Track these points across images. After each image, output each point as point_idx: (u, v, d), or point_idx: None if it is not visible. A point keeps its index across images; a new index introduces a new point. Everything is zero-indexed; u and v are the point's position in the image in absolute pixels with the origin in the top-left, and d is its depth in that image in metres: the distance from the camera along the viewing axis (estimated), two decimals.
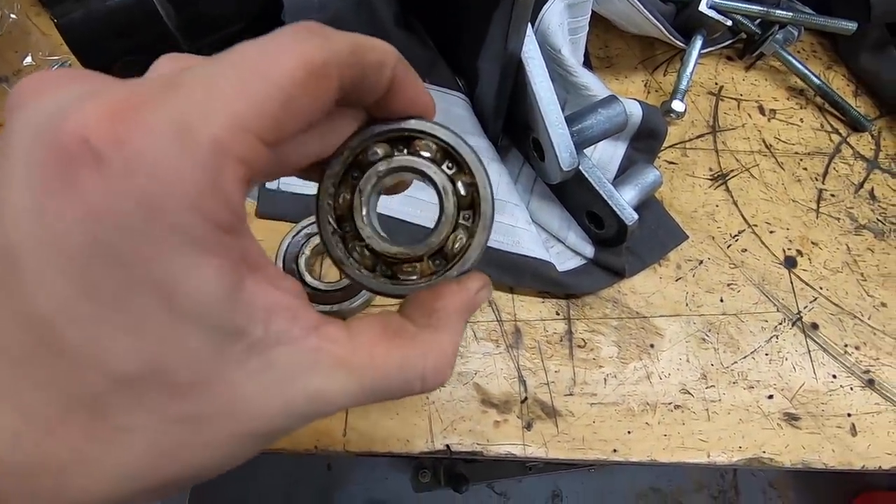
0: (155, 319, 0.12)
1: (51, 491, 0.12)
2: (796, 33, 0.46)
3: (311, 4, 0.32)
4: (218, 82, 0.12)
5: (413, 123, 0.18)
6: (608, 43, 0.47)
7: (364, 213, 0.18)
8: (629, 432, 0.34)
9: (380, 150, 0.18)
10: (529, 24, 0.29)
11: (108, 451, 0.12)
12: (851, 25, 0.43)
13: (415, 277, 0.18)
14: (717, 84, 0.47)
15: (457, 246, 0.18)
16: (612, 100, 0.33)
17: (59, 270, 0.11)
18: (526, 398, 0.34)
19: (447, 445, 0.32)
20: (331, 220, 0.18)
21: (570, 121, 0.32)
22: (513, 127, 0.36)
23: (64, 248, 0.11)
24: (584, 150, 0.35)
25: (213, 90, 0.12)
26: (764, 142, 0.44)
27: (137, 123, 0.11)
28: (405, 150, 0.18)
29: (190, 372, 0.13)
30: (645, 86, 0.46)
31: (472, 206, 0.18)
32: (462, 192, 0.18)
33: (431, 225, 0.18)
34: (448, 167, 0.18)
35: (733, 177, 0.43)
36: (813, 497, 1.22)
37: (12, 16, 0.41)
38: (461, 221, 0.18)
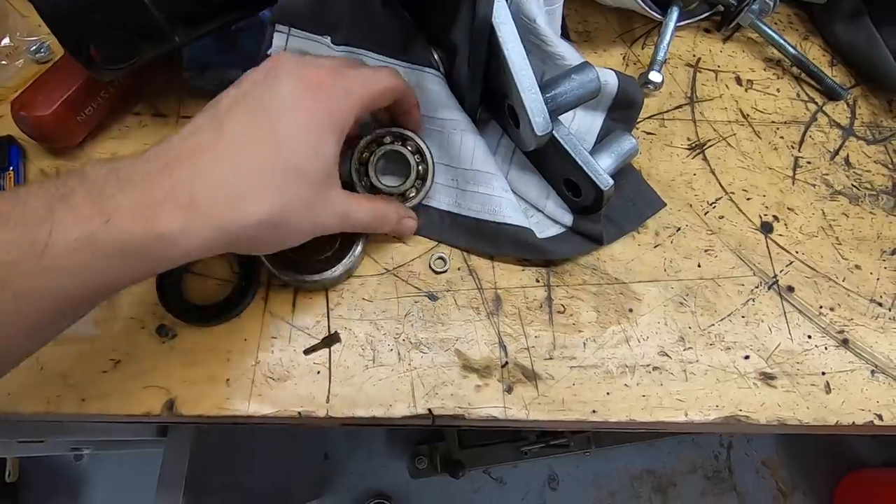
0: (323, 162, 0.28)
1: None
2: (772, 4, 0.46)
3: None
4: (357, 83, 0.29)
5: (409, 133, 0.36)
6: (586, 17, 0.47)
7: (372, 166, 0.35)
8: (608, 394, 0.34)
9: (388, 139, 0.36)
10: None
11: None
12: None
13: None
14: (694, 56, 0.47)
15: (412, 194, 0.36)
16: (585, 66, 0.34)
17: (303, 137, 0.27)
18: (506, 363, 0.35)
19: (429, 409, 0.33)
20: (355, 164, 0.35)
21: (545, 87, 0.33)
22: (490, 97, 0.37)
23: (307, 125, 0.27)
24: (562, 120, 0.36)
25: (359, 84, 0.29)
26: (741, 112, 0.45)
27: (335, 84, 0.28)
28: (399, 142, 0.36)
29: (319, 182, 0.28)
30: (623, 59, 0.46)
31: (424, 177, 0.36)
32: (420, 169, 0.36)
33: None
34: (417, 159, 0.36)
35: (711, 146, 0.43)
36: (805, 475, 1.24)
37: None
38: (416, 183, 0.36)
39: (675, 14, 0.44)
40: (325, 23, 0.34)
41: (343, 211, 0.30)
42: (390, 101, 0.32)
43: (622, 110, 0.40)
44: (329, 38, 0.35)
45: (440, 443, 1.14)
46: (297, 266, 0.34)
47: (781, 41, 0.46)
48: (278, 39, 0.34)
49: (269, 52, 0.34)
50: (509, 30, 0.30)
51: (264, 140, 0.26)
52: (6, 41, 0.40)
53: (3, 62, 0.39)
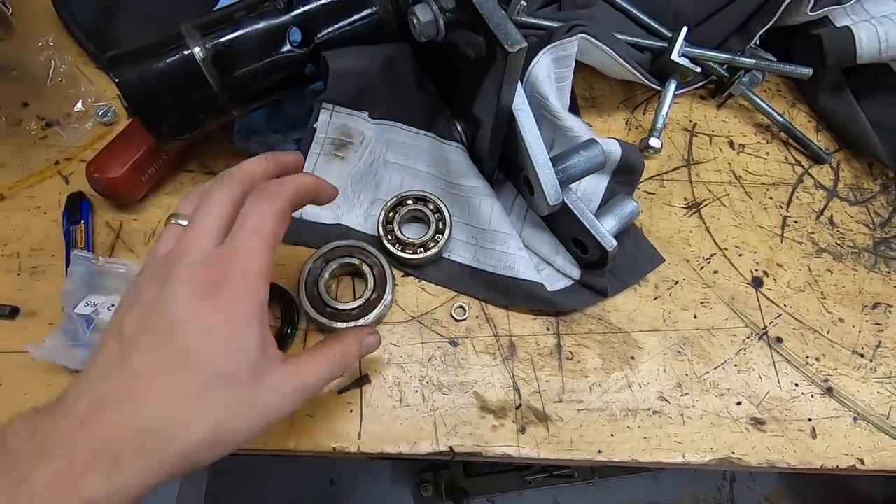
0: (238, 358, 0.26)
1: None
2: (760, 77, 0.51)
3: (352, 72, 0.37)
4: (251, 248, 0.27)
5: (429, 195, 0.41)
6: (593, 85, 0.52)
7: (396, 223, 0.41)
8: (612, 435, 0.38)
9: (410, 200, 0.41)
10: (519, 81, 0.34)
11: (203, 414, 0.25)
12: (808, 71, 0.49)
13: (410, 253, 0.41)
14: (691, 121, 0.52)
15: (431, 245, 0.41)
16: (591, 142, 0.38)
17: (214, 343, 0.25)
18: (520, 405, 0.38)
19: (450, 447, 0.37)
20: (382, 222, 0.41)
21: (556, 161, 0.37)
22: (507, 165, 0.41)
23: (215, 330, 0.25)
24: (570, 185, 0.40)
25: (252, 252, 0.27)
26: (734, 173, 0.49)
27: (229, 267, 0.26)
28: (420, 203, 0.41)
29: (247, 379, 0.26)
30: (626, 123, 0.51)
31: (442, 231, 0.41)
32: (439, 225, 0.41)
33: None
34: (437, 216, 0.41)
35: (706, 205, 0.47)
36: None
37: (63, 66, 0.46)
38: (436, 236, 0.41)
39: (672, 85, 0.49)
40: (365, 102, 0.39)
41: (294, 388, 0.28)
42: (299, 204, 0.30)
43: (625, 174, 0.44)
44: (367, 113, 0.40)
45: (445, 471, 1.16)
46: (334, 315, 0.38)
47: (770, 109, 0.51)
48: (324, 116, 0.39)
49: (314, 126, 0.39)
50: (527, 115, 0.35)
51: (175, 364, 0.25)
52: (78, 106, 0.45)
53: (75, 125, 0.44)
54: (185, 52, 0.35)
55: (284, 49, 0.37)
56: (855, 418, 0.40)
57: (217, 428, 0.25)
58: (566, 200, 0.38)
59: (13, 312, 0.38)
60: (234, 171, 0.30)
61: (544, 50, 0.41)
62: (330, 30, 0.38)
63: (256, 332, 0.26)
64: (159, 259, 0.27)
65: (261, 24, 0.36)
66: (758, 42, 0.52)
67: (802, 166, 0.50)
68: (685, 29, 0.47)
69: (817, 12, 0.47)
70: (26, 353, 0.36)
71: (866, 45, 0.46)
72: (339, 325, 0.38)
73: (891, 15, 0.47)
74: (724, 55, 0.49)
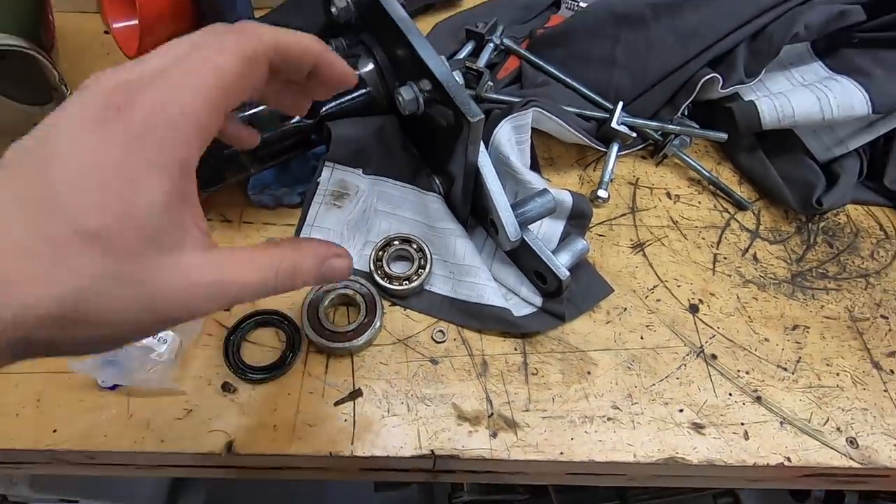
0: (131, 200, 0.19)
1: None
2: (688, 140, 0.62)
3: (349, 137, 0.46)
4: (190, 73, 0.20)
5: (413, 237, 0.49)
6: (551, 148, 0.62)
7: (384, 262, 0.47)
8: (572, 439, 0.44)
9: (396, 242, 0.48)
10: (483, 142, 0.43)
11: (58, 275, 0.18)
12: (723, 136, 0.59)
13: (397, 285, 0.47)
14: (634, 176, 0.61)
15: (415, 278, 0.47)
16: (544, 191, 0.47)
17: (91, 186, 0.18)
18: (492, 414, 0.44)
19: (432, 450, 0.42)
20: (373, 260, 0.47)
21: (515, 207, 0.46)
22: (477, 211, 0.50)
23: (96, 167, 0.18)
24: (530, 227, 0.49)
25: (187, 78, 0.20)
26: (671, 219, 0.58)
27: (143, 95, 0.20)
28: (405, 244, 0.48)
29: (133, 246, 0.19)
30: (580, 179, 0.60)
31: (424, 266, 0.47)
32: (421, 262, 0.48)
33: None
34: (419, 254, 0.48)
35: (648, 245, 0.56)
36: None
37: None
38: (418, 270, 0.47)
39: (615, 148, 0.59)
40: (360, 161, 0.48)
41: (210, 282, 0.21)
42: (297, 63, 0.24)
43: (577, 219, 0.53)
44: (361, 169, 0.49)
45: None
46: (332, 336, 0.44)
47: (698, 166, 0.61)
48: (326, 172, 0.47)
49: (318, 180, 0.48)
50: (489, 170, 0.44)
51: (35, 199, 0.18)
52: None
53: None
54: None
55: (295, 121, 0.46)
56: (781, 422, 0.46)
57: (73, 300, 0.18)
58: (526, 239, 0.46)
59: None
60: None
61: (505, 120, 0.51)
62: (332, 105, 0.47)
63: (165, 186, 0.19)
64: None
65: None
66: (685, 112, 0.63)
67: (729, 212, 0.60)
68: (621, 103, 0.58)
69: (727, 90, 0.59)
70: (64, 374, 0.42)
71: (767, 115, 0.57)
72: (336, 344, 0.44)
73: (785, 91, 0.58)
74: (655, 123, 0.60)
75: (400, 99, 0.43)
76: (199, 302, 0.21)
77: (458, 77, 0.48)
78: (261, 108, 0.45)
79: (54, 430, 0.40)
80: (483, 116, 0.38)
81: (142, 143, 0.19)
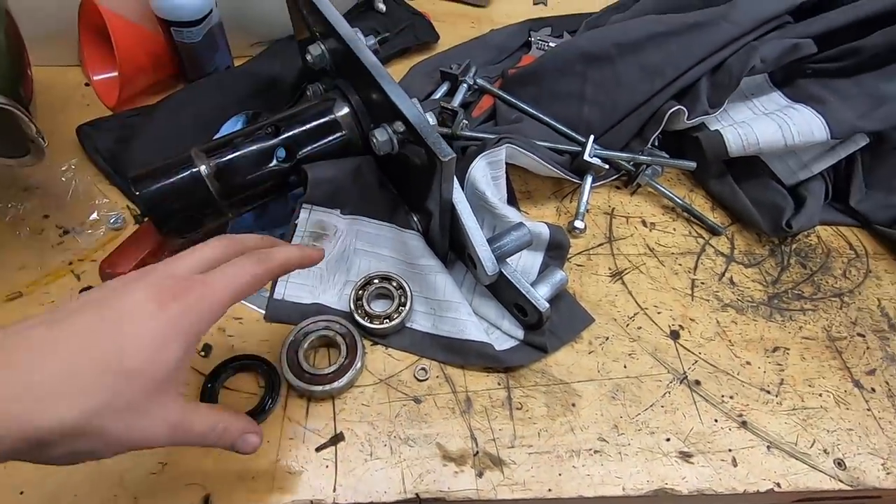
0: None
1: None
2: (660, 169, 0.63)
3: (326, 179, 0.47)
4: (216, 288, 0.30)
5: (392, 275, 0.49)
6: (528, 182, 0.63)
7: (364, 300, 0.48)
8: (560, 474, 0.43)
9: (376, 280, 0.49)
10: (457, 179, 0.44)
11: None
12: (692, 164, 0.61)
13: (378, 323, 0.47)
14: (610, 206, 0.63)
15: (395, 316, 0.47)
16: (520, 225, 0.48)
17: (147, 341, 0.27)
18: (477, 452, 0.43)
19: (417, 494, 0.41)
20: (353, 298, 0.47)
21: (492, 241, 0.46)
22: (455, 247, 0.50)
23: (154, 330, 0.27)
24: (509, 261, 0.49)
25: (215, 292, 0.30)
26: (648, 246, 0.59)
27: (189, 294, 0.29)
28: (385, 281, 0.49)
29: (149, 387, 0.27)
30: (556, 210, 0.61)
31: (404, 304, 0.47)
32: (401, 299, 0.48)
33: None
34: (399, 292, 0.48)
35: (627, 273, 0.57)
36: None
37: (81, 185, 0.55)
38: (399, 308, 0.48)
39: (588, 179, 0.60)
40: (338, 202, 0.48)
41: (176, 420, 0.28)
42: (284, 272, 0.35)
43: (555, 250, 0.53)
44: (339, 210, 0.49)
45: None
46: (312, 379, 0.44)
47: (671, 194, 0.62)
48: (304, 214, 0.48)
49: (296, 222, 0.48)
50: (464, 206, 0.45)
51: (107, 340, 0.25)
52: (93, 216, 0.53)
53: (89, 231, 0.52)
54: (194, 170, 0.44)
55: (272, 164, 0.47)
56: (768, 447, 0.46)
57: (91, 415, 0.24)
58: (504, 272, 0.47)
59: None
60: (233, 236, 0.35)
61: (479, 157, 0.52)
62: (309, 148, 0.48)
63: (183, 352, 0.27)
64: (129, 273, 0.30)
65: (254, 147, 0.46)
66: (656, 143, 0.65)
67: (704, 238, 0.61)
68: (592, 137, 0.60)
69: (693, 121, 0.61)
70: None
71: (733, 143, 0.59)
72: (316, 388, 0.43)
73: (748, 120, 0.61)
74: (626, 155, 0.61)
75: (374, 140, 0.44)
76: (160, 436, 0.28)
77: (430, 118, 0.49)
78: (237, 153, 0.46)
79: (21, 493, 0.38)
80: (454, 155, 0.38)
81: (181, 321, 0.27)
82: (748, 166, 0.63)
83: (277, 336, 0.47)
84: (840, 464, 0.46)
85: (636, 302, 0.54)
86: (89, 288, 0.48)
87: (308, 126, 0.48)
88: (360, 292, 0.49)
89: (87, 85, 0.66)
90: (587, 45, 0.63)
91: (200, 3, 0.58)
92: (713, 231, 0.61)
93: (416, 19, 0.79)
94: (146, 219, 0.51)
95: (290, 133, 0.47)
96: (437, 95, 0.68)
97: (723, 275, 0.58)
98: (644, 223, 0.62)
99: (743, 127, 0.60)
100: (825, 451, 0.46)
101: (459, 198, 0.45)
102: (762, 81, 0.66)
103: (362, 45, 0.46)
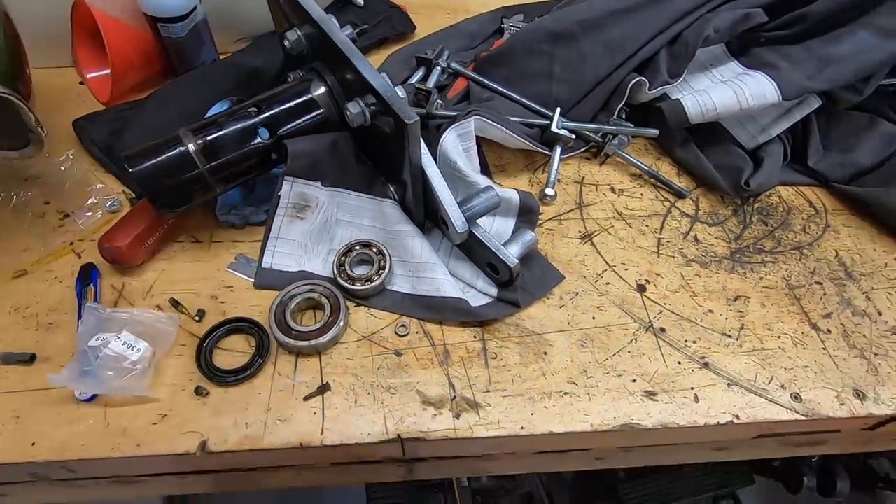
0: None
1: None
2: (626, 139, 0.67)
3: (305, 152, 0.51)
4: None
5: (372, 241, 0.52)
6: (501, 156, 0.67)
7: (347, 265, 0.51)
8: (532, 414, 0.46)
9: (357, 247, 0.52)
10: (431, 152, 0.48)
11: None
12: (654, 131, 0.65)
13: (360, 286, 0.49)
14: (580, 176, 0.66)
15: (375, 278, 0.50)
16: (488, 188, 0.51)
17: None
18: (455, 397, 0.47)
19: (398, 434, 0.44)
20: (336, 264, 0.50)
21: (462, 203, 0.49)
22: (430, 213, 0.54)
23: None
24: (483, 225, 0.52)
25: None
26: (617, 211, 0.63)
27: None
28: (366, 248, 0.52)
29: None
30: (529, 181, 0.65)
31: (384, 267, 0.50)
32: (381, 263, 0.51)
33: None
34: (379, 257, 0.51)
35: (596, 235, 0.60)
36: None
37: (79, 173, 0.58)
38: (379, 272, 0.50)
39: (558, 150, 0.64)
40: (318, 174, 0.52)
41: None
42: None
43: (526, 215, 0.57)
44: (320, 182, 0.53)
45: None
46: (298, 336, 0.47)
47: (638, 162, 0.66)
48: (286, 186, 0.51)
49: (279, 194, 0.51)
50: (434, 171, 0.48)
51: None
52: (91, 200, 0.56)
53: (88, 213, 0.55)
54: (182, 148, 0.48)
55: (255, 141, 0.50)
56: (729, 384, 0.49)
57: None
58: (475, 232, 0.50)
59: (31, 359, 0.46)
60: None
61: (449, 129, 0.56)
62: (289, 126, 0.52)
63: None
64: None
65: (238, 125, 0.50)
66: (623, 115, 0.68)
67: (670, 201, 0.64)
68: (559, 109, 0.63)
69: (654, 91, 0.64)
70: (41, 391, 0.44)
71: (692, 110, 0.63)
72: (303, 343, 0.47)
73: (706, 88, 0.64)
74: (591, 125, 0.65)
75: (348, 113, 0.48)
76: None
77: (399, 91, 0.52)
78: (222, 131, 0.49)
79: (33, 444, 0.42)
80: (418, 118, 0.42)
81: None
82: (711, 133, 0.67)
83: (266, 302, 0.51)
84: (796, 397, 0.49)
85: (605, 260, 0.58)
86: (90, 264, 0.52)
87: (287, 105, 0.52)
88: (343, 258, 0.52)
89: (80, 83, 0.70)
90: (553, 25, 0.67)
91: (184, 0, 0.61)
92: (679, 195, 0.65)
93: (393, 12, 0.83)
94: (141, 200, 0.55)
95: (271, 112, 0.51)
96: (414, 80, 0.71)
97: (687, 234, 0.61)
98: (613, 190, 0.65)
99: (701, 95, 0.63)
100: (782, 386, 0.49)
101: (429, 163, 0.48)
102: (720, 52, 0.69)
103: (335, 26, 0.50)
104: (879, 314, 0.55)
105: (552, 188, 0.62)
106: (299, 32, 0.54)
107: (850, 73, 0.59)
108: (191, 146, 0.48)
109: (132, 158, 0.47)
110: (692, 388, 0.49)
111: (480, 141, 0.61)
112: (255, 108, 0.51)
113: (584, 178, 0.66)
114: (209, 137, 0.49)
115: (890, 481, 1.47)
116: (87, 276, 0.51)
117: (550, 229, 0.60)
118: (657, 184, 0.66)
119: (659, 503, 1.34)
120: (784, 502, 1.39)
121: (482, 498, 1.27)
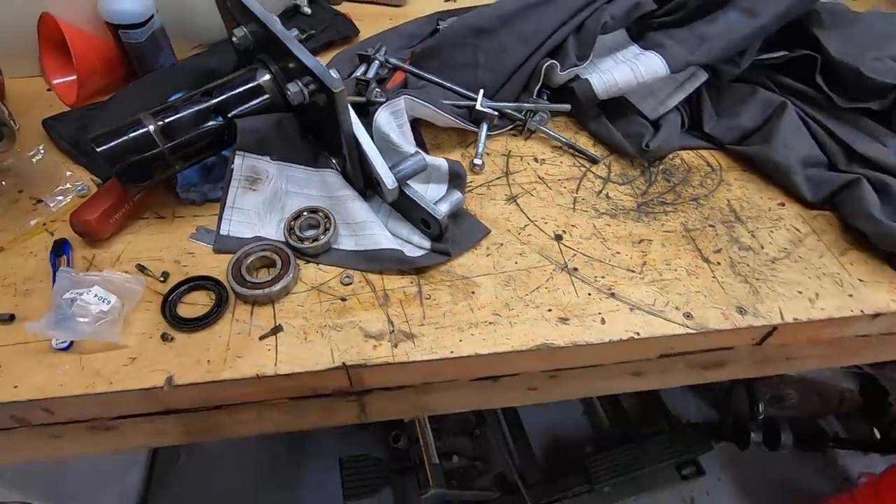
0: None
1: None
2: (546, 116, 0.76)
3: (253, 129, 0.58)
4: None
5: (318, 206, 0.60)
6: (437, 135, 0.75)
7: (297, 228, 0.58)
8: (460, 340, 0.53)
9: (306, 213, 0.59)
10: (367, 127, 0.56)
11: None
12: (566, 106, 0.74)
13: (308, 244, 0.57)
14: (507, 149, 0.75)
15: (322, 237, 0.57)
16: (416, 153, 0.59)
17: None
18: (393, 330, 0.53)
19: (343, 363, 0.51)
20: (286, 228, 0.57)
21: (393, 168, 0.57)
22: (368, 180, 0.61)
23: None
24: (419, 190, 0.60)
25: None
26: (538, 176, 0.71)
27: None
28: (312, 213, 0.59)
29: None
30: (461, 156, 0.73)
31: (328, 228, 0.56)
32: (326, 225, 0.59)
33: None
34: (325, 220, 0.59)
35: (520, 197, 0.68)
36: None
37: (49, 165, 0.64)
38: (324, 232, 0.58)
39: (484, 127, 0.72)
40: (266, 149, 0.59)
41: None
42: None
43: (456, 181, 0.65)
44: (268, 157, 0.60)
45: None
46: (253, 286, 0.54)
47: (557, 136, 0.75)
48: (238, 160, 0.58)
49: (232, 167, 0.58)
50: (366, 139, 0.56)
51: None
52: (62, 186, 0.62)
53: (59, 197, 0.61)
54: (143, 129, 0.54)
55: (209, 123, 0.57)
56: (631, 308, 0.57)
57: None
58: (407, 192, 0.58)
59: (10, 318, 0.51)
60: None
61: (382, 107, 0.64)
62: (238, 110, 0.59)
63: None
64: None
65: (193, 109, 0.57)
66: (545, 97, 0.78)
67: (586, 167, 0.73)
68: (482, 91, 0.72)
69: (566, 72, 0.74)
70: (22, 344, 0.49)
71: (598, 87, 0.72)
72: (257, 291, 0.53)
73: (609, 68, 0.74)
74: (512, 104, 0.74)
75: (289, 93, 0.55)
76: None
77: (333, 73, 0.60)
78: (178, 115, 0.56)
79: (15, 386, 0.47)
80: (344, 87, 0.50)
81: None
82: (619, 108, 0.76)
83: (224, 265, 0.57)
84: (688, 315, 0.57)
85: (527, 217, 0.66)
86: (63, 239, 0.57)
87: (236, 91, 0.59)
88: (293, 223, 0.59)
89: (48, 90, 0.76)
90: (475, 20, 0.76)
91: (141, 8, 0.69)
92: (593, 160, 0.74)
93: (338, 19, 0.92)
94: (109, 180, 0.61)
95: (223, 97, 0.58)
96: (356, 74, 0.80)
97: (600, 192, 0.70)
98: (536, 160, 0.74)
99: (605, 73, 0.73)
100: (677, 308, 0.58)
101: (361, 133, 0.56)
102: (624, 38, 0.79)
103: (276, 21, 0.58)
104: (762, 248, 0.65)
105: (480, 159, 0.70)
106: (245, 30, 0.62)
107: (723, 47, 0.69)
108: (151, 127, 0.54)
109: (98, 139, 0.53)
110: (599, 314, 0.57)
111: (417, 123, 0.69)
112: (208, 95, 0.58)
113: (510, 151, 0.74)
114: (167, 119, 0.56)
115: (839, 440, 1.57)
116: (60, 248, 0.56)
117: (480, 194, 0.68)
118: (575, 153, 0.75)
119: (626, 473, 1.41)
120: (739, 463, 1.48)
121: (457, 481, 1.32)
